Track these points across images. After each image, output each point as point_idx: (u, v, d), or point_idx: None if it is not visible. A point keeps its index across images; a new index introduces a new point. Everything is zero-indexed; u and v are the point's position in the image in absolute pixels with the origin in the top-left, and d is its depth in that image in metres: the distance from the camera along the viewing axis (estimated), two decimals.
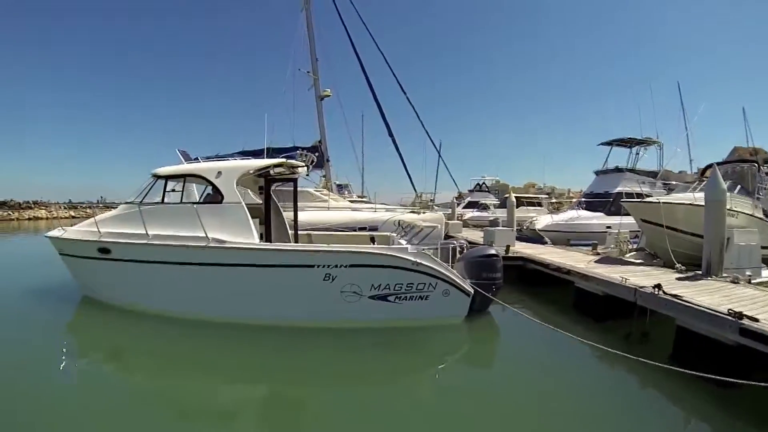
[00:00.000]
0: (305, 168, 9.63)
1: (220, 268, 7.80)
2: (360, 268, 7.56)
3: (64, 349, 7.15)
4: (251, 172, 8.62)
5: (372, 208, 15.23)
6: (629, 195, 11.15)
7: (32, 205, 50.92)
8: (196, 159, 9.99)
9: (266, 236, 9.54)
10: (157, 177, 8.57)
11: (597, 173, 18.13)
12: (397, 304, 7.72)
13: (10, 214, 44.76)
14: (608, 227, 12.30)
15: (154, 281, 8.22)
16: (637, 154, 18.24)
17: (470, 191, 29.48)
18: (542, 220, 16.15)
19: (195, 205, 8.04)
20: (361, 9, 17.36)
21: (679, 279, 7.67)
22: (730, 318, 5.18)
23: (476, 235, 16.16)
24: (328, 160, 17.52)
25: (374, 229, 12.75)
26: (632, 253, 10.48)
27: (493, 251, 8.47)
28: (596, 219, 14.85)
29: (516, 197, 23.16)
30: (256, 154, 13.73)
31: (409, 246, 7.88)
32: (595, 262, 9.92)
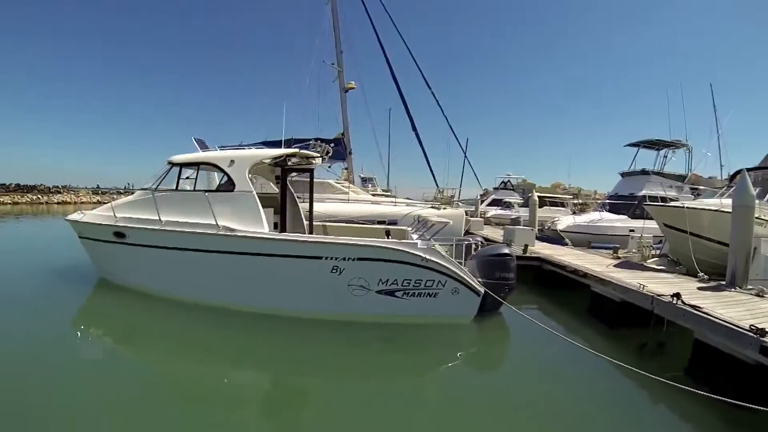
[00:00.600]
0: (320, 159, 9.39)
1: (229, 255, 7.72)
2: (368, 262, 7.33)
3: (75, 330, 7.27)
4: (265, 161, 8.48)
5: (392, 202, 14.93)
6: (653, 198, 10.44)
7: (61, 190, 52.58)
8: (213, 147, 9.93)
9: (281, 226, 9.42)
10: (172, 164, 8.55)
11: (622, 175, 17.22)
12: (404, 300, 7.45)
13: (39, 198, 46.42)
14: (631, 231, 11.62)
15: (165, 266, 8.24)
16: (665, 157, 17.30)
17: (495, 189, 28.71)
18: (564, 220, 15.47)
19: (206, 193, 8.00)
20: (388, 4, 16.95)
21: (700, 289, 7.08)
22: (751, 334, 4.67)
23: (497, 233, 15.65)
24: (350, 153, 17.33)
25: (393, 223, 12.47)
26: (654, 259, 9.84)
27: (506, 250, 8.07)
28: (619, 222, 14.09)
29: (539, 197, 22.52)
30: (278, 144, 13.70)
31: (419, 241, 7.55)
32: (614, 266, 9.35)
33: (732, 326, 4.97)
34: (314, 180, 14.77)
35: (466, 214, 21.20)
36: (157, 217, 8.08)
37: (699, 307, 5.67)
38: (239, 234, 7.61)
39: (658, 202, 9.93)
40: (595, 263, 9.69)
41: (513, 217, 19.56)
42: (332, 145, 16.96)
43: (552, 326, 8.13)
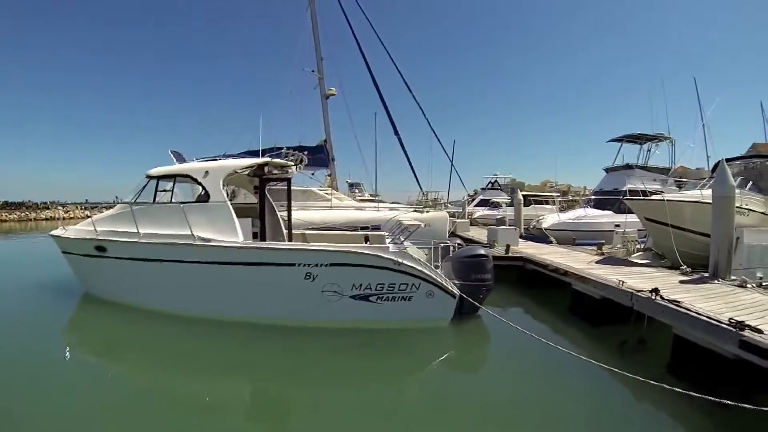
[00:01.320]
0: (295, 167, 9.11)
1: (206, 265, 7.45)
2: (340, 267, 7.02)
3: (60, 345, 6.97)
4: (238, 171, 8.20)
5: (375, 207, 14.61)
6: (637, 193, 10.08)
7: (49, 206, 50.29)
8: (192, 159, 9.65)
9: (261, 235, 9.15)
10: (150, 177, 8.30)
11: (607, 170, 16.85)
12: (378, 305, 7.10)
13: (27, 215, 44.45)
14: (617, 226, 11.25)
15: (145, 278, 7.98)
16: (649, 150, 16.88)
17: (483, 189, 28.27)
18: (549, 218, 15.07)
19: (182, 205, 7.74)
20: (368, 8, 16.72)
21: (682, 282, 6.72)
22: (730, 328, 4.32)
23: (484, 234, 15.31)
24: (333, 159, 16.99)
25: (377, 228, 12.14)
26: (639, 254, 9.46)
27: (482, 251, 7.72)
28: (604, 218, 13.64)
29: (526, 195, 22.14)
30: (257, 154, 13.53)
31: (390, 245, 7.23)
32: (596, 262, 9.00)
33: (711, 320, 4.62)
34: (297, 188, 14.62)
35: (454, 216, 20.87)
36: (135, 230, 7.82)
37: (678, 302, 5.32)
38: (214, 244, 7.35)
39: (641, 196, 9.57)
40: (578, 261, 9.33)
41: (498, 217, 19.17)
42: (307, 153, 16.75)
43: (534, 326, 7.81)
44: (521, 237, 14.60)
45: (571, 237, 13.09)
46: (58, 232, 9.13)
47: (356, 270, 7.02)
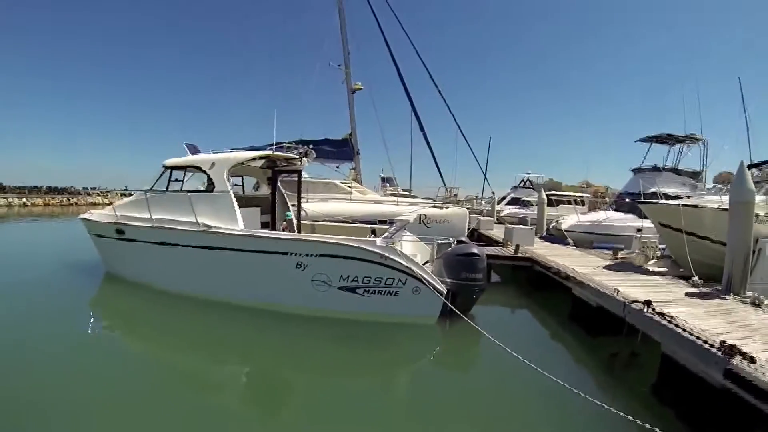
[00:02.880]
0: (300, 160, 8.83)
1: (207, 250, 7.43)
2: (329, 258, 6.73)
3: (80, 317, 7.13)
4: (241, 163, 8.03)
5: (394, 201, 14.04)
6: (658, 196, 8.80)
7: (90, 192, 50.83)
8: (208, 151, 9.63)
9: (271, 225, 9.02)
10: (165, 167, 8.35)
11: (634, 171, 15.11)
12: (365, 297, 6.72)
13: (69, 200, 45.18)
14: (639, 230, 9.98)
15: (155, 260, 8.07)
16: (680, 152, 15.01)
17: (514, 188, 26.68)
18: (568, 220, 13.79)
19: (189, 194, 7.74)
20: (400, 7, 16.08)
21: (688, 295, 5.68)
22: (717, 352, 3.45)
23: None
24: (358, 153, 16.47)
25: (393, 222, 11.67)
26: (656, 261, 8.28)
27: (474, 250, 7.00)
28: (626, 221, 12.11)
29: (555, 195, 20.62)
30: (262, 149, 13.54)
31: (378, 239, 6.75)
32: (605, 267, 7.94)
33: (700, 341, 3.73)
34: (319, 180, 14.37)
35: (482, 213, 19.77)
36: (149, 215, 7.92)
37: (670, 317, 4.42)
38: (215, 231, 7.31)
39: (669, 199, 8.33)
40: (586, 265, 8.30)
41: (521, 216, 17.90)
42: (331, 146, 16.37)
43: (533, 330, 7.14)
44: (541, 237, 13.55)
45: (589, 239, 11.85)
46: (86, 215, 9.47)
47: (344, 262, 6.68)
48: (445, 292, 6.63)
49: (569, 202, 18.78)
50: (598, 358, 5.52)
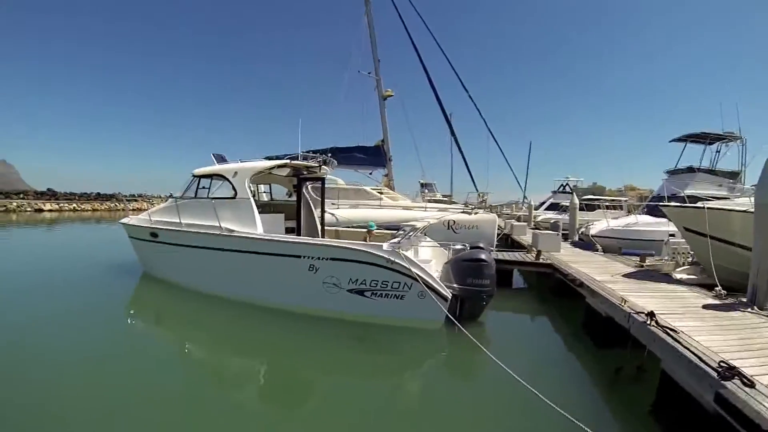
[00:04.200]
0: (318, 168, 8.90)
1: (228, 253, 7.72)
2: (338, 262, 6.79)
3: (116, 313, 7.61)
4: (261, 171, 8.23)
5: (422, 207, 13.84)
6: (695, 199, 7.96)
7: (137, 198, 52.96)
8: (236, 161, 9.97)
9: (297, 231, 9.17)
10: (194, 176, 8.74)
11: (668, 173, 13.85)
12: (373, 300, 6.71)
13: (116, 206, 47.41)
14: (671, 235, 9.14)
15: (183, 261, 8.47)
16: (717, 152, 13.55)
17: (554, 192, 25.45)
18: (597, 225, 12.90)
19: (213, 200, 8.05)
20: (433, 13, 15.90)
21: (706, 306, 5.10)
22: (712, 374, 3.06)
23: None
24: (390, 159, 16.37)
25: None
26: (684, 268, 7.53)
27: (482, 255, 6.73)
28: (657, 226, 11.02)
29: (589, 199, 19.43)
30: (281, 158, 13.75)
31: (384, 244, 6.67)
32: (625, 275, 7.33)
33: (697, 360, 3.33)
34: (349, 186, 14.44)
35: (519, 220, 19.01)
36: (178, 220, 8.33)
37: (675, 331, 3.99)
38: (235, 234, 7.58)
39: (698, 202, 7.55)
40: (607, 272, 7.73)
41: (552, 221, 16.99)
42: (362, 153, 16.32)
43: (546, 340, 6.75)
44: (572, 243, 12.81)
45: (618, 245, 11.01)
46: (125, 220, 10.12)
47: (353, 265, 6.71)
48: (450, 298, 6.43)
49: (606, 207, 17.63)
50: (603, 373, 5.09)
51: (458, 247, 7.90)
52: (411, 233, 7.71)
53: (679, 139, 13.69)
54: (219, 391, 4.82)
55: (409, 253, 7.79)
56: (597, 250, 10.99)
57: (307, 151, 13.55)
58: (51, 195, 50.37)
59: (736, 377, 2.95)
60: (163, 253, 8.77)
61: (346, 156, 16.59)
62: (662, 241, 9.38)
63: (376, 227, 8.62)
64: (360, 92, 16.94)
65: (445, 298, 6.39)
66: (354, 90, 18.00)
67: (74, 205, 45.37)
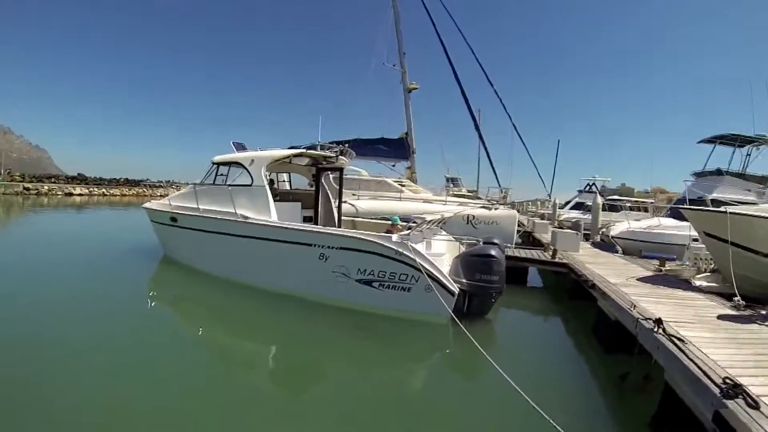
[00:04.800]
0: (336, 157, 8.86)
1: (242, 239, 7.84)
2: (348, 252, 6.79)
3: (136, 294, 7.84)
4: (277, 160, 8.29)
5: (442, 201, 13.64)
6: (719, 203, 7.46)
7: (164, 185, 52.59)
8: (255, 148, 10.06)
9: (315, 220, 9.23)
10: (213, 163, 8.89)
11: (695, 175, 13.07)
12: (380, 291, 6.68)
13: (144, 192, 48.02)
14: (695, 240, 8.64)
15: (201, 246, 8.65)
16: (748, 155, 12.66)
17: (579, 192, 24.58)
18: (618, 226, 12.34)
19: (229, 187, 8.16)
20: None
21: (721, 317, 4.79)
22: (714, 390, 2.86)
23: None
24: (413, 152, 16.17)
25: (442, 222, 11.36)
26: (704, 275, 7.12)
27: (492, 251, 6.56)
28: (680, 229, 10.24)
29: (614, 200, 18.69)
30: (342, 143, 13.66)
31: (393, 235, 6.61)
32: (640, 278, 7.01)
33: (699, 373, 3.13)
34: (371, 178, 14.38)
35: (543, 218, 18.49)
36: (196, 206, 8.50)
37: (682, 340, 3.77)
38: (250, 221, 7.69)
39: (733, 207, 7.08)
40: (623, 274, 7.42)
41: (574, 220, 16.43)
42: (385, 145, 16.15)
43: (555, 342, 6.54)
44: (593, 244, 12.38)
45: (638, 248, 10.53)
46: (147, 204, 10.43)
47: (361, 255, 6.70)
48: (457, 292, 6.31)
49: (630, 208, 16.90)
50: (608, 379, 4.90)
51: (471, 241, 7.76)
52: (423, 226, 7.60)
53: (708, 140, 12.75)
54: (228, 371, 4.98)
55: (421, 246, 7.71)
56: (617, 252, 10.57)
57: (331, 142, 13.54)
58: (81, 180, 52.36)
59: (740, 396, 2.74)
60: (182, 237, 9.00)
61: (370, 147, 16.54)
62: (683, 245, 8.93)
63: (400, 222, 8.58)
64: (386, 85, 16.65)
65: (451, 293, 6.28)
66: (379, 83, 17.78)
67: (103, 189, 46.92)
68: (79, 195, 42.45)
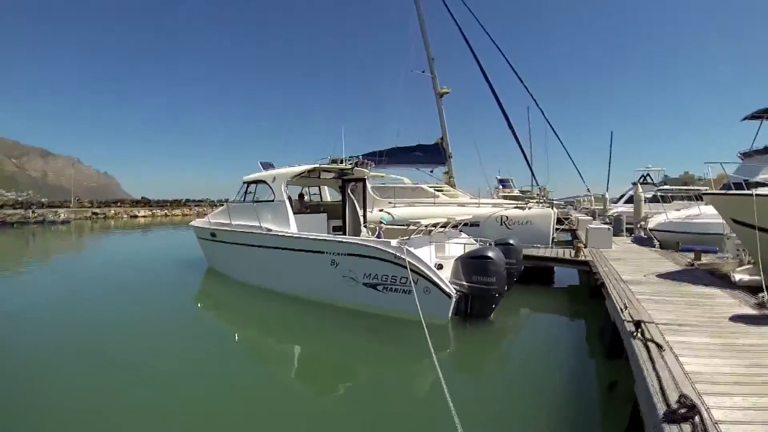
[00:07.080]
0: (353, 169, 8.92)
1: (267, 249, 8.17)
2: (354, 257, 6.83)
3: (182, 302, 8.46)
4: (294, 176, 8.55)
5: (476, 203, 12.99)
6: (742, 186, 6.07)
7: (225, 203, 54.63)
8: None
9: (343, 230, 9.30)
10: (243, 182, 9.39)
11: (742, 155, 10.66)
12: (384, 294, 6.60)
13: (204, 211, 46.29)
14: None
15: (234, 257, 9.14)
16: None
17: (633, 184, 21.92)
18: (656, 218, 10.70)
19: (255, 203, 8.57)
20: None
21: (735, 318, 3.93)
22: (660, 411, 2.34)
23: None
24: (450, 156, 15.54)
25: (476, 224, 10.86)
26: (745, 267, 5.92)
27: (490, 253, 6.10)
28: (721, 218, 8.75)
29: (665, 190, 16.45)
30: (381, 153, 14.15)
31: (393, 240, 6.45)
32: (661, 274, 6.03)
33: (655, 387, 2.59)
34: (407, 185, 14.11)
35: (592, 216, 16.93)
36: (229, 221, 9.05)
37: (660, 346, 3.17)
38: (271, 233, 8.00)
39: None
40: (644, 271, 6.46)
41: (616, 214, 14.64)
42: (421, 152, 15.70)
43: (559, 344, 5.91)
44: (634, 238, 11.00)
45: (676, 240, 9.05)
46: (193, 222, 11.25)
47: (366, 260, 6.70)
48: (454, 295, 5.97)
49: (683, 198, 14.73)
50: (599, 387, 4.30)
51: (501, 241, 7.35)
52: (431, 230, 7.37)
53: (752, 116, 10.47)
54: (253, 367, 5.36)
55: (426, 250, 7.43)
56: (654, 246, 9.26)
57: (369, 153, 13.55)
58: (145, 203, 55.03)
59: (688, 421, 2.19)
60: (219, 250, 9.62)
61: (408, 155, 16.28)
62: (724, 234, 7.58)
63: (386, 224, 8.40)
64: (418, 92, 16.23)
65: (448, 295, 5.96)
66: (412, 90, 17.36)
67: (165, 211, 48.67)
68: (143, 217, 43.95)
